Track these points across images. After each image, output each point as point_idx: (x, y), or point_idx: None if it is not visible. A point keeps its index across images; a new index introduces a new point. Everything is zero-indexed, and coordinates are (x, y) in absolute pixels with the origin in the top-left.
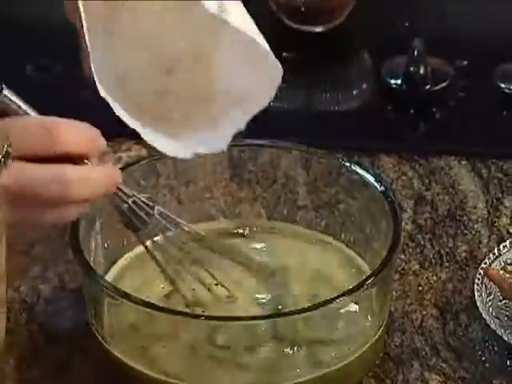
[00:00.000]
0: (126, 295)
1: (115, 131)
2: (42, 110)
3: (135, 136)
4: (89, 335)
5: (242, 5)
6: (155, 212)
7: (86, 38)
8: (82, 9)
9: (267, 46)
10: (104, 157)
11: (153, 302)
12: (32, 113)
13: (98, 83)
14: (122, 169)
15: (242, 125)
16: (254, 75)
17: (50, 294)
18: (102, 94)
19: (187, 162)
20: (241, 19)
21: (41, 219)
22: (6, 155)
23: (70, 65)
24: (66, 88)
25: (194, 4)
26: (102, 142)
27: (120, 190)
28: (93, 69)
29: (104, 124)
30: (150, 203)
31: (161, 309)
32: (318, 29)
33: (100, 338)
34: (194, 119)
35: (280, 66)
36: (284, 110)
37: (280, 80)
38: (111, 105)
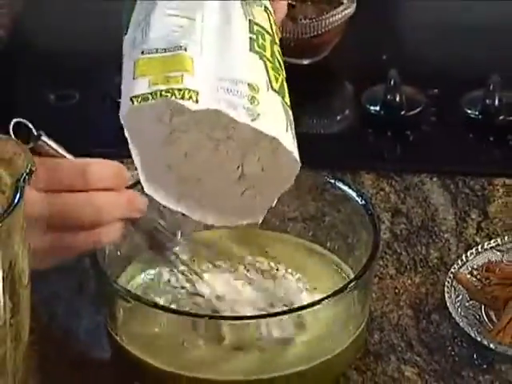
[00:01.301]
0: (136, 297)
1: (127, 153)
2: (64, 135)
3: None
4: (105, 333)
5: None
6: (178, 235)
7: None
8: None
9: (291, 147)
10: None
11: (160, 303)
12: (67, 155)
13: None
14: (132, 185)
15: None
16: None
17: (70, 297)
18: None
19: None
20: (272, 119)
21: (72, 243)
22: (30, 173)
23: (89, 94)
24: (86, 115)
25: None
26: (127, 175)
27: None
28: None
29: (118, 146)
30: (172, 229)
31: (167, 309)
32: (306, 61)
33: (115, 336)
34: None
35: (298, 162)
36: None
37: (297, 172)
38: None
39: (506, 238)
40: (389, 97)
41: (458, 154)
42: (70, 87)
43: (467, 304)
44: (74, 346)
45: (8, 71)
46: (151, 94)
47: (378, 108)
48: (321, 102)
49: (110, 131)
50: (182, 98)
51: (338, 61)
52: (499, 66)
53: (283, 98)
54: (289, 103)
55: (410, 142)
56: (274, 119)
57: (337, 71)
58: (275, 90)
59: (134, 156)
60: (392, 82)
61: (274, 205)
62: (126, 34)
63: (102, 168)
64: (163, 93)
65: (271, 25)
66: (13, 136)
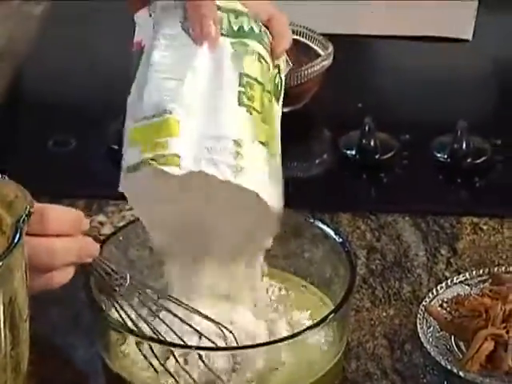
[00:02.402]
0: (128, 330)
1: (121, 194)
2: (62, 180)
3: None
4: (99, 363)
5: (262, 149)
6: (127, 279)
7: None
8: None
9: (270, 197)
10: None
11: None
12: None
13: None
14: (125, 225)
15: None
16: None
17: (67, 329)
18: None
19: None
20: (254, 173)
21: (29, 284)
22: (29, 214)
23: (84, 141)
24: (81, 160)
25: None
26: (85, 222)
27: (99, 259)
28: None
29: (111, 188)
30: (122, 273)
31: (158, 341)
32: (286, 109)
33: (108, 364)
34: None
35: (277, 209)
36: None
37: (278, 217)
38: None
39: (473, 272)
40: (364, 142)
41: (429, 195)
42: (67, 134)
43: (438, 335)
44: (71, 375)
45: (8, 118)
46: (141, 163)
47: (353, 152)
48: (301, 147)
49: (105, 175)
50: (165, 164)
51: (316, 108)
52: (466, 113)
53: (268, 148)
54: (276, 151)
55: (383, 183)
56: (256, 172)
57: (316, 118)
58: (261, 142)
59: (141, 218)
60: (367, 129)
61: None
62: (129, 94)
63: (59, 214)
64: (150, 161)
65: (263, 72)
66: None
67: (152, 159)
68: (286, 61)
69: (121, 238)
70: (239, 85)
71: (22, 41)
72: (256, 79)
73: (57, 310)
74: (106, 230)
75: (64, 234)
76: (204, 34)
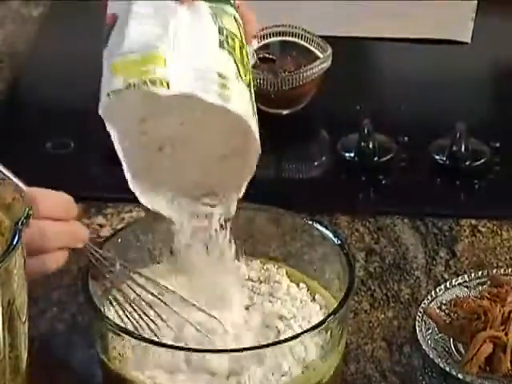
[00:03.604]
0: (125, 331)
1: (120, 197)
2: (60, 182)
3: (136, 200)
4: (97, 363)
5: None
6: (117, 265)
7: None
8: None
9: (256, 129)
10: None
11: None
12: (20, 184)
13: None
14: (124, 227)
15: None
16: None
17: (65, 331)
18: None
19: None
20: (241, 103)
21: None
22: (28, 217)
23: (82, 143)
24: (79, 162)
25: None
26: (74, 206)
27: (89, 246)
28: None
29: (110, 191)
30: (112, 259)
31: (154, 342)
32: (285, 112)
33: (107, 365)
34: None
35: (259, 145)
36: (257, 178)
37: (258, 154)
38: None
39: (472, 274)
40: (362, 144)
41: (427, 197)
42: (66, 136)
43: (436, 337)
44: (70, 376)
45: (7, 119)
46: (126, 87)
47: (352, 155)
48: (299, 149)
49: (104, 177)
50: (154, 85)
51: (315, 111)
52: (465, 115)
53: (250, 91)
54: (254, 99)
55: (382, 186)
56: (243, 103)
57: (314, 120)
58: (244, 82)
59: (117, 148)
60: (365, 131)
61: (241, 195)
62: (105, 46)
63: (51, 199)
64: (136, 83)
65: (240, 32)
66: None
67: (139, 82)
68: (252, 54)
69: (120, 241)
70: (219, 34)
71: (21, 42)
72: (235, 34)
73: (55, 311)
74: (105, 232)
75: (55, 218)
76: None
